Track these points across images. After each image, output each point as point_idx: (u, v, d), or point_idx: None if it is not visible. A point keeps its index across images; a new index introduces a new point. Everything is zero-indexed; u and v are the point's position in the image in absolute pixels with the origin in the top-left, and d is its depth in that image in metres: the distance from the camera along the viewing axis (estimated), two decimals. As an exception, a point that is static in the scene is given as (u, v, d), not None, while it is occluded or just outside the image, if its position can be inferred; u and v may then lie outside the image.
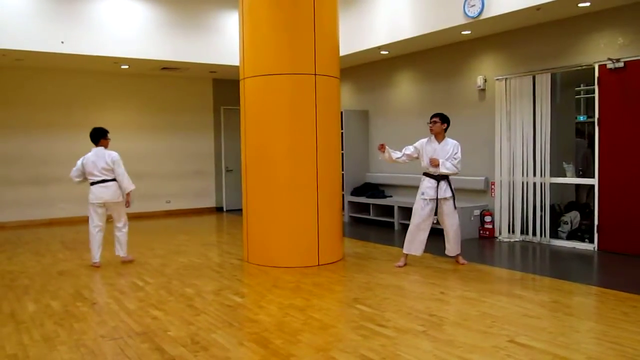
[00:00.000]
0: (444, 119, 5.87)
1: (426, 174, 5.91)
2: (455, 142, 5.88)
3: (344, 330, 3.92)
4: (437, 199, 5.80)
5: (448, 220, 5.89)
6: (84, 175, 6.22)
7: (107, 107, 10.59)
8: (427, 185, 5.85)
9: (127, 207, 6.32)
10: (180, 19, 9.46)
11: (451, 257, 6.11)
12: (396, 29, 8.10)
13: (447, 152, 5.79)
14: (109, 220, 6.40)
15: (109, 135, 6.37)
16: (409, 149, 6.00)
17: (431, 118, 5.92)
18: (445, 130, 5.90)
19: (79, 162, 6.23)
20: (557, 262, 6.27)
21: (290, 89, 5.97)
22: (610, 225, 6.49)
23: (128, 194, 6.23)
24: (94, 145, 6.26)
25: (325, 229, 6.12)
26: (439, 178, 5.81)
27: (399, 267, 5.90)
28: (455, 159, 5.78)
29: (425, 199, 5.85)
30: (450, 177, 5.89)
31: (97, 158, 6.16)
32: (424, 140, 5.96)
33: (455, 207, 5.89)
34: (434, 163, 5.74)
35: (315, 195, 6.04)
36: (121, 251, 6.40)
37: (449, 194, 5.83)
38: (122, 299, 4.87)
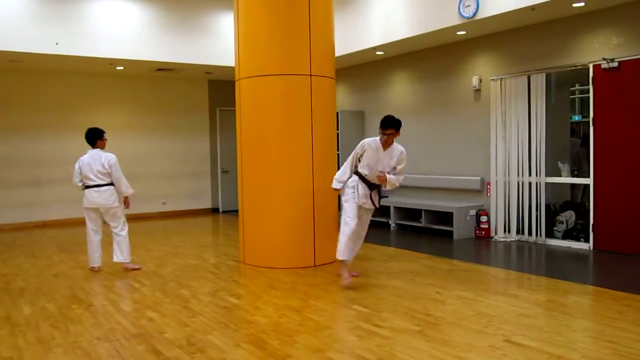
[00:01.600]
0: (400, 127, 5.14)
1: (362, 179, 5.24)
2: (402, 149, 5.22)
3: (340, 331, 3.92)
4: (359, 206, 5.26)
5: (362, 227, 5.47)
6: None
7: (103, 108, 10.56)
8: (362, 192, 5.22)
9: (127, 208, 6.10)
10: (175, 20, 9.45)
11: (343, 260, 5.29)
12: (391, 30, 8.11)
13: (392, 160, 5.17)
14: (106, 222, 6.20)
15: (105, 136, 6.10)
16: (348, 165, 5.31)
17: (386, 128, 5.07)
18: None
19: (76, 166, 5.94)
20: (552, 261, 6.29)
21: (285, 90, 5.97)
22: (605, 224, 6.51)
23: (126, 197, 6.05)
24: (90, 146, 6.00)
25: (321, 229, 6.12)
26: (373, 187, 5.25)
27: (348, 281, 5.15)
28: (399, 174, 5.20)
29: (357, 202, 5.24)
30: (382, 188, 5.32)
31: (92, 160, 5.86)
32: (369, 141, 5.19)
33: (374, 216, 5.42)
34: (381, 180, 5.12)
35: (311, 195, 6.04)
36: (121, 256, 6.02)
37: (376, 205, 5.37)
38: (117, 300, 4.85)
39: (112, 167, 5.90)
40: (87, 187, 5.93)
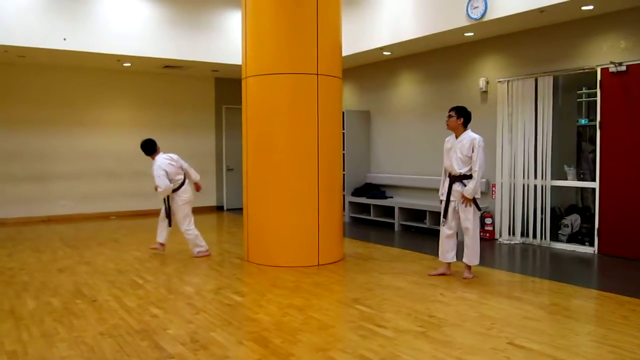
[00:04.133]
0: (461, 113, 5.34)
1: (448, 174, 5.51)
2: (473, 136, 5.29)
3: (343, 330, 3.92)
4: (447, 200, 5.40)
5: (463, 224, 5.38)
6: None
7: (109, 104, 10.59)
8: (445, 185, 5.49)
9: (198, 190, 6.92)
10: (183, 17, 9.46)
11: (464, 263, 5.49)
12: (399, 30, 8.10)
13: (463, 148, 5.29)
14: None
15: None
16: (444, 172, 5.59)
17: (449, 111, 5.44)
18: (465, 124, 5.36)
19: (162, 172, 6.36)
20: (557, 264, 6.27)
21: (292, 89, 5.97)
22: (610, 228, 6.48)
23: (197, 182, 6.86)
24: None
25: (326, 228, 6.12)
26: (454, 179, 5.37)
27: (430, 275, 5.54)
28: (474, 163, 5.23)
29: (443, 200, 5.49)
30: (473, 178, 5.26)
31: (172, 161, 6.54)
32: (447, 138, 5.53)
33: (479, 209, 5.36)
34: (466, 201, 5.27)
35: (316, 195, 6.04)
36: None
37: (461, 198, 5.32)
38: (121, 296, 4.87)
39: (180, 161, 6.65)
40: (183, 183, 6.57)
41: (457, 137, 5.39)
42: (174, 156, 6.63)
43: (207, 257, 6.62)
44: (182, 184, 6.55)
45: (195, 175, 6.79)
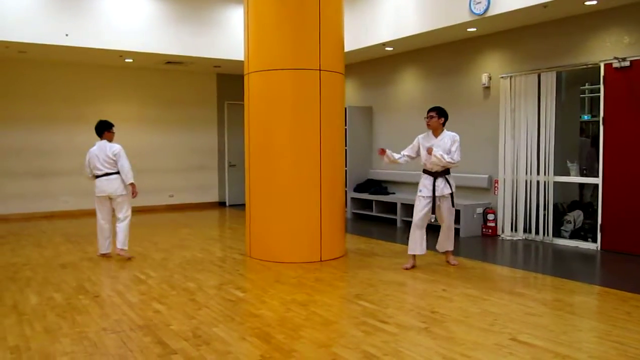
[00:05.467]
0: (441, 113, 5.66)
1: (425, 171, 5.72)
2: (452, 134, 5.65)
3: (345, 326, 3.92)
4: (434, 196, 5.58)
5: (444, 218, 5.74)
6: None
7: (111, 100, 10.59)
8: (424, 182, 5.67)
9: (133, 197, 6.33)
10: (185, 13, 9.45)
11: (440, 252, 6.07)
12: (401, 26, 8.08)
13: (445, 145, 5.58)
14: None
15: (114, 129, 6.40)
16: (408, 150, 5.86)
17: (428, 112, 5.71)
18: (444, 124, 5.68)
19: (86, 158, 6.30)
20: (559, 261, 6.26)
21: (294, 85, 5.96)
22: (613, 224, 6.47)
23: (132, 185, 6.25)
24: (98, 138, 6.30)
25: (328, 224, 6.11)
26: (436, 175, 5.62)
27: (407, 269, 5.66)
28: (453, 154, 5.59)
29: (423, 197, 5.65)
30: (450, 174, 5.69)
31: (99, 151, 6.22)
32: (421, 136, 5.78)
33: (453, 205, 5.71)
34: (429, 152, 5.56)
35: (318, 191, 6.03)
36: (118, 243, 6.23)
37: (447, 191, 5.62)
38: (124, 292, 4.87)
39: (117, 155, 6.19)
40: (97, 176, 6.23)
41: (436, 136, 5.68)
42: (114, 150, 6.16)
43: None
44: (98, 176, 6.22)
45: (125, 178, 6.19)
